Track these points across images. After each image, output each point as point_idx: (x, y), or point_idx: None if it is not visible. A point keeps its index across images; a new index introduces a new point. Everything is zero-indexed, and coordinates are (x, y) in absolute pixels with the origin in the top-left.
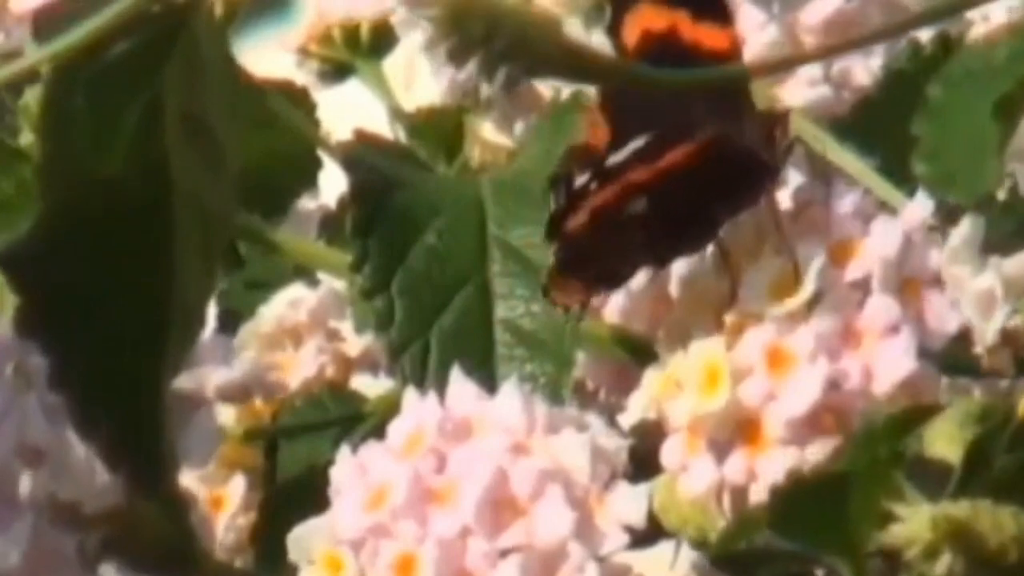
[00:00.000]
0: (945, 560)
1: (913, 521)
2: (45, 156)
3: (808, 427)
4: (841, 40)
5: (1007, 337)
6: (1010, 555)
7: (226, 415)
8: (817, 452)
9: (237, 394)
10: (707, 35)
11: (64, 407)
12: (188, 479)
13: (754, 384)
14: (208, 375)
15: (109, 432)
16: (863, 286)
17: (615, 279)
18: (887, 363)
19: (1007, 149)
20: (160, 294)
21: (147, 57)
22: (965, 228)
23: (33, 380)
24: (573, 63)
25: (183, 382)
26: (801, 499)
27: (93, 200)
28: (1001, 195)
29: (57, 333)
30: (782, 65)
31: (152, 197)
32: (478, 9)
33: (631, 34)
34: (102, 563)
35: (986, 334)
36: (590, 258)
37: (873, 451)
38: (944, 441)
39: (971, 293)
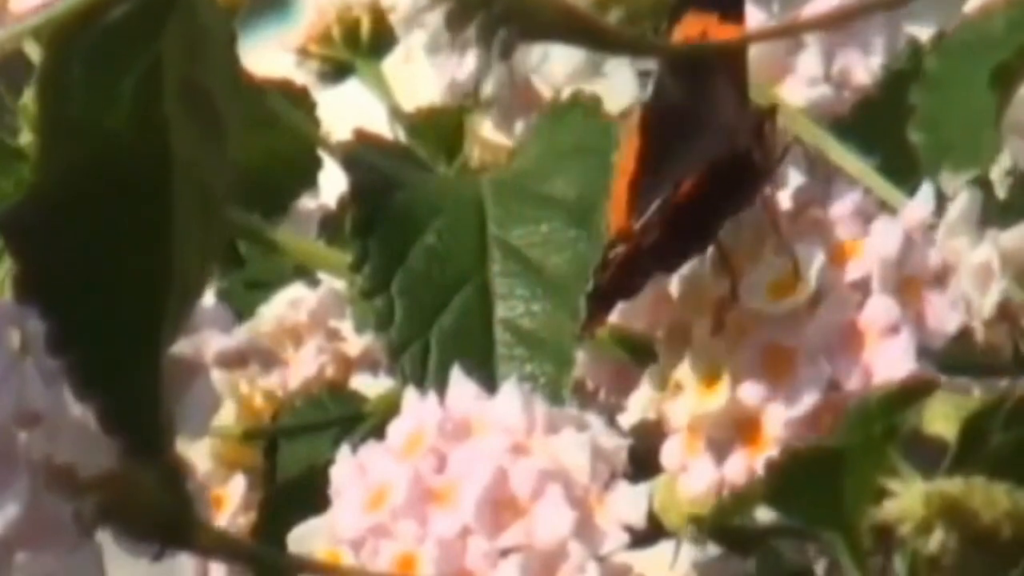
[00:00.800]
0: (938, 536)
1: (906, 497)
2: (43, 122)
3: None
4: (841, 38)
5: (1004, 311)
6: (1003, 532)
7: (227, 415)
8: None
9: (235, 361)
10: (726, 34)
11: (62, 371)
12: None
13: (754, 384)
14: (207, 341)
15: (107, 399)
16: (863, 286)
17: (634, 294)
18: (887, 363)
19: (1004, 121)
20: (159, 262)
21: (143, 22)
22: (962, 201)
23: (31, 343)
24: (572, 28)
25: (181, 348)
26: (796, 474)
27: (92, 167)
28: (1001, 193)
29: (55, 300)
30: (778, 32)
31: (151, 164)
32: None
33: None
34: (98, 530)
35: (983, 308)
36: (617, 296)
37: (868, 428)
38: (941, 420)
39: (968, 266)
